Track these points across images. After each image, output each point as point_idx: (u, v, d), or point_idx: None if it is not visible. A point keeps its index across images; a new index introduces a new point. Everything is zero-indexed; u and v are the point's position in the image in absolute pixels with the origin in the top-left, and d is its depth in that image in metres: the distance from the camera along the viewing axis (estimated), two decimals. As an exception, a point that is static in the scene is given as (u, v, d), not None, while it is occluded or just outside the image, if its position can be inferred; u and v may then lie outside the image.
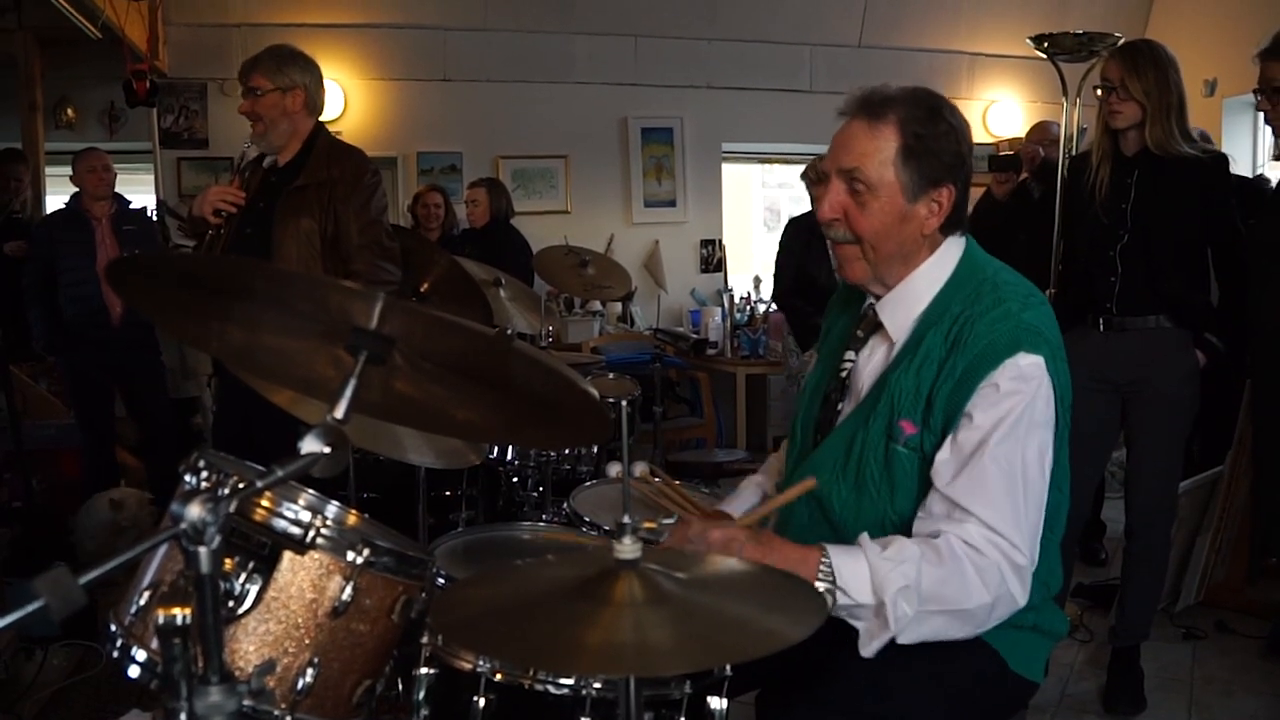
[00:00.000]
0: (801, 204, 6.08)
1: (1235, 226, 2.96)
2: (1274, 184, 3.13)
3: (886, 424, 1.60)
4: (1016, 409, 1.51)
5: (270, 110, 2.97)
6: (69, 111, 6.81)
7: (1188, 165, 2.83)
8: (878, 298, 1.70)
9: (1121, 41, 3.22)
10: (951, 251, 1.67)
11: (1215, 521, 3.70)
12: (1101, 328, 2.98)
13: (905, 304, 1.66)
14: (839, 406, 1.72)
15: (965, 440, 1.52)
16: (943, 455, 1.54)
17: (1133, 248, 2.90)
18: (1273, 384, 2.84)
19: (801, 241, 4.81)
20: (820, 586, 1.43)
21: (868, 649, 1.46)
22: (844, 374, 1.73)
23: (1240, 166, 5.97)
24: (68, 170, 4.60)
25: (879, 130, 1.59)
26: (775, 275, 5.02)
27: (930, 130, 1.59)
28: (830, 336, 1.85)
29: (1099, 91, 2.92)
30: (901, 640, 1.46)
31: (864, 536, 1.49)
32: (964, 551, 1.47)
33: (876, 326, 1.70)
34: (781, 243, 5.02)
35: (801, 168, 4.97)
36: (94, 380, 4.47)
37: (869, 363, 1.70)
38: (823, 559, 1.45)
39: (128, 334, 4.43)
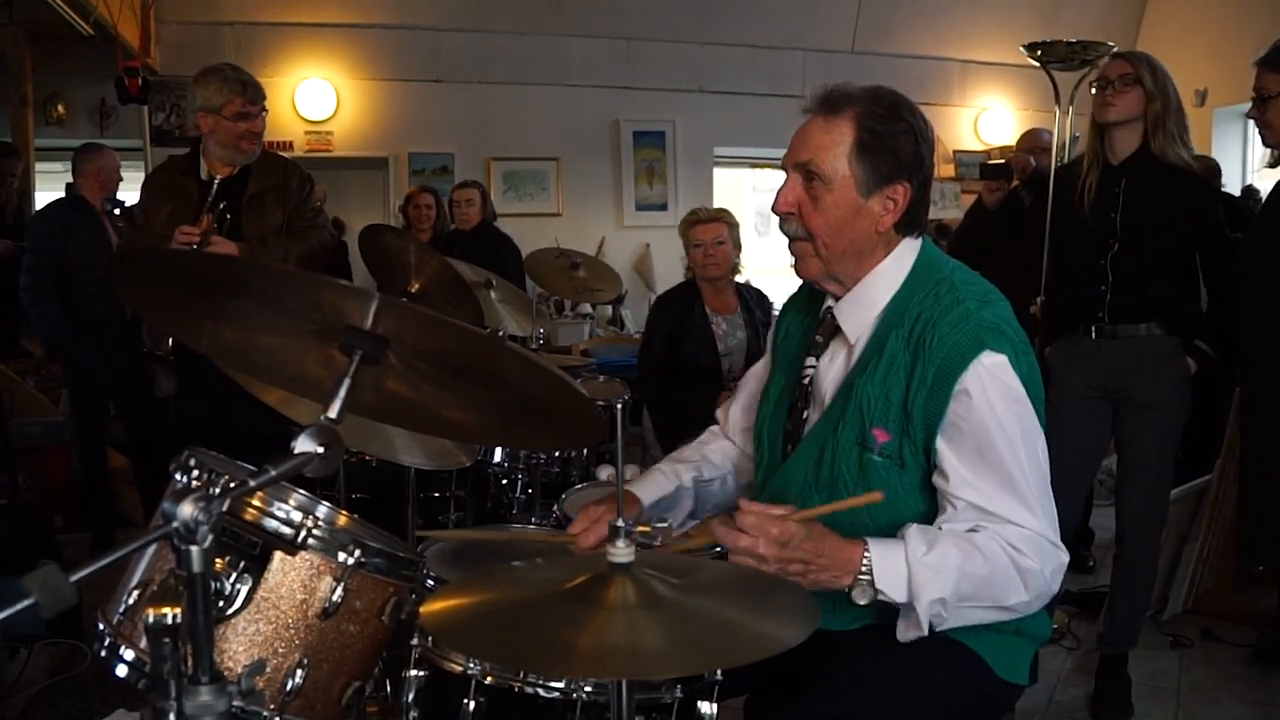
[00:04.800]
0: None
1: (1223, 233, 2.97)
2: (1264, 194, 3.14)
3: (858, 433, 1.58)
4: (1000, 407, 1.50)
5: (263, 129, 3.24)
6: (59, 108, 6.77)
7: (1175, 173, 2.84)
8: (836, 299, 1.69)
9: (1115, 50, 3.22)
10: (908, 252, 1.66)
11: (1203, 530, 3.71)
12: (1093, 335, 2.98)
13: (863, 305, 1.65)
14: (805, 415, 1.71)
15: (967, 452, 1.51)
16: (951, 471, 1.52)
17: (1123, 256, 2.91)
18: (1261, 391, 2.84)
19: (671, 318, 3.88)
20: (864, 579, 1.44)
21: (903, 637, 1.49)
22: (806, 380, 1.71)
23: (1230, 176, 6.01)
24: (57, 166, 4.56)
25: (835, 125, 1.60)
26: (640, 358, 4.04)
27: (887, 127, 1.59)
28: (789, 342, 1.82)
29: (1094, 90, 2.92)
30: (939, 629, 1.48)
31: (911, 530, 1.48)
32: (1006, 552, 1.47)
33: (835, 330, 1.69)
34: (648, 325, 4.08)
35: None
36: (95, 380, 4.42)
37: (831, 368, 1.68)
38: (865, 553, 1.45)
39: (129, 332, 4.37)
